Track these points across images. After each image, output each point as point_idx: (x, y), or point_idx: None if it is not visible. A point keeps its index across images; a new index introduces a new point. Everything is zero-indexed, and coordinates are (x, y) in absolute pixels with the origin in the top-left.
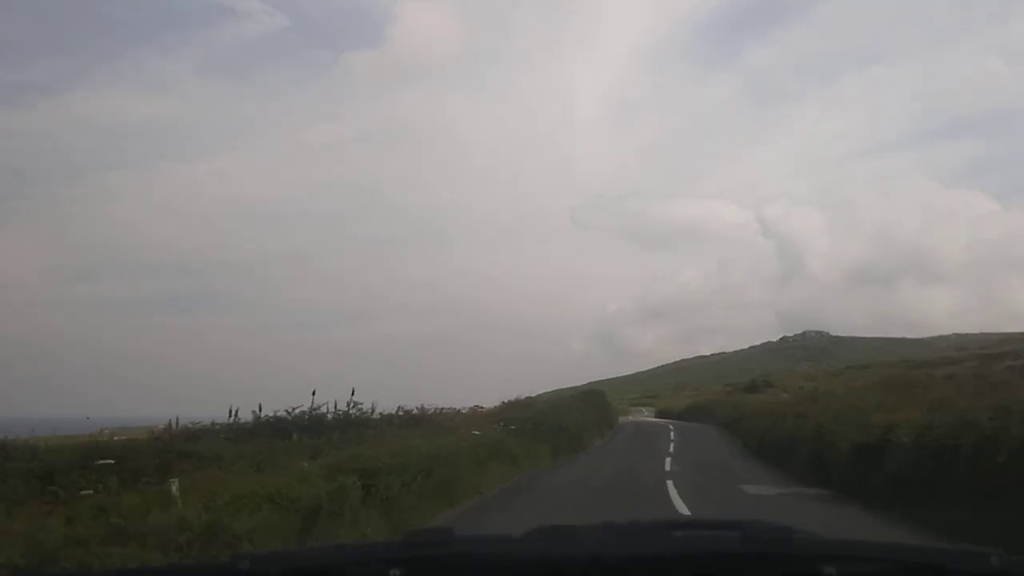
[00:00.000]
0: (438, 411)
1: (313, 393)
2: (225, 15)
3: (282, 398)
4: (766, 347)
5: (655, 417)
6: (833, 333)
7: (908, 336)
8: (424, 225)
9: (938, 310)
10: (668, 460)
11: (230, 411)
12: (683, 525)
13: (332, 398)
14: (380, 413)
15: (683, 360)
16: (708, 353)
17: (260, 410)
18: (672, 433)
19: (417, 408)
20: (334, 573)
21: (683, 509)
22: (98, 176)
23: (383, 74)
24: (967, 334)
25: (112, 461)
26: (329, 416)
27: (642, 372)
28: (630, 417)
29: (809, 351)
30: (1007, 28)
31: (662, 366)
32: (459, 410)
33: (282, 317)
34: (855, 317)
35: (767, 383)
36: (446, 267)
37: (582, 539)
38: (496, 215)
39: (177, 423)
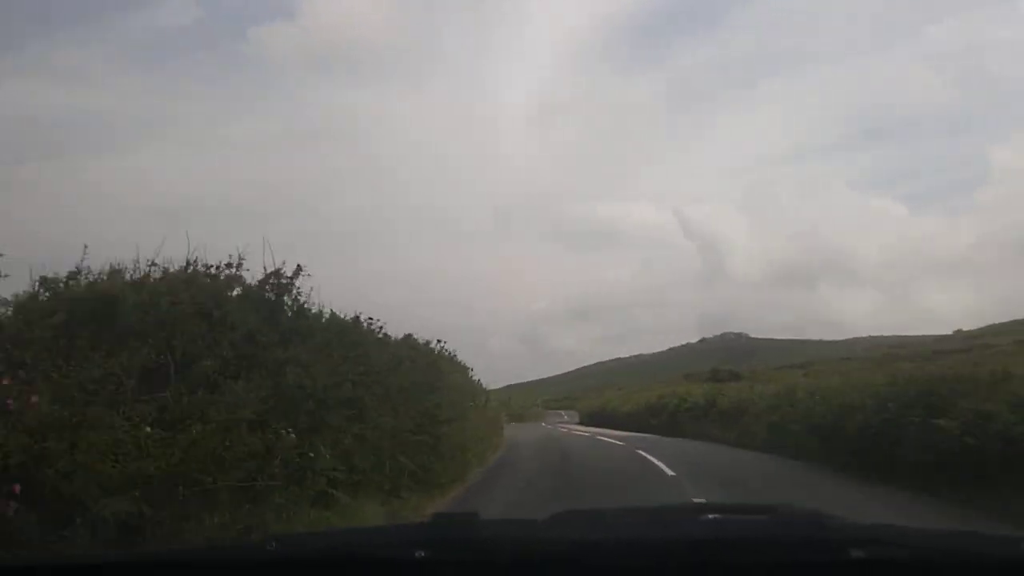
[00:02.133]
0: None
1: None
2: (138, 4)
3: None
4: (686, 348)
5: (582, 426)
6: (752, 335)
7: (825, 338)
8: (341, 224)
9: (855, 313)
10: None
11: None
12: (712, 509)
13: None
14: None
15: (600, 362)
16: (627, 355)
17: None
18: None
19: None
20: (361, 555)
21: None
22: (5, 170)
23: (303, 66)
24: (881, 336)
25: None
26: None
27: (562, 375)
28: (543, 424)
29: (729, 352)
30: (921, 39)
31: (582, 368)
32: None
33: None
34: (774, 319)
35: (734, 374)
36: (360, 267)
37: (609, 523)
38: (417, 214)
39: None
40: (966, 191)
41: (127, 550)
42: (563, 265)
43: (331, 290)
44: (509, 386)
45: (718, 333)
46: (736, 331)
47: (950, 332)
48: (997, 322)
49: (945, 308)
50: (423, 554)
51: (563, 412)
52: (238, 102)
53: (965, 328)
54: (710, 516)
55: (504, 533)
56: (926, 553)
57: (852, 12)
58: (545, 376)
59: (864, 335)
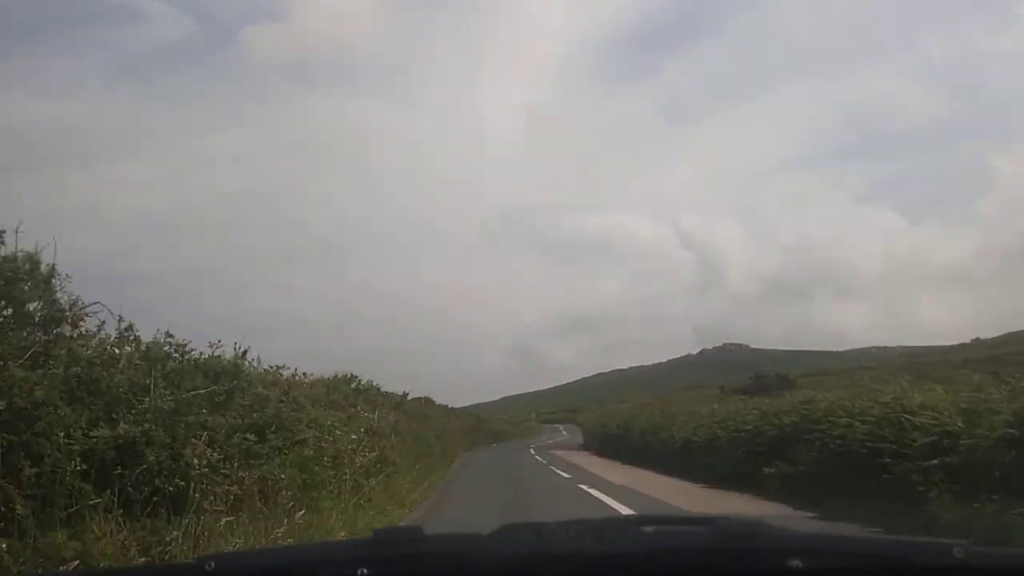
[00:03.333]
0: None
1: None
2: (128, 18)
3: None
4: (686, 360)
5: (590, 455)
6: (752, 346)
7: (828, 349)
8: (329, 237)
9: (853, 324)
10: None
11: None
12: (653, 521)
13: None
14: None
15: (599, 374)
16: (626, 367)
17: None
18: None
19: None
20: (302, 573)
21: None
22: None
23: (292, 78)
24: (885, 347)
25: None
26: None
27: (559, 387)
28: (531, 450)
29: (730, 364)
30: (916, 49)
31: (579, 380)
32: None
33: (178, 332)
34: (772, 330)
35: (786, 381)
36: (350, 281)
37: (552, 536)
38: (406, 227)
39: None
40: (965, 201)
41: (53, 570)
42: (556, 278)
43: (318, 302)
44: (505, 398)
45: (718, 344)
46: (736, 342)
47: (952, 343)
48: (1012, 331)
49: (944, 319)
50: (366, 571)
51: (561, 426)
52: (227, 114)
53: (983, 337)
54: (650, 528)
55: (448, 548)
56: (861, 561)
57: (844, 24)
58: (541, 388)
59: (866, 346)
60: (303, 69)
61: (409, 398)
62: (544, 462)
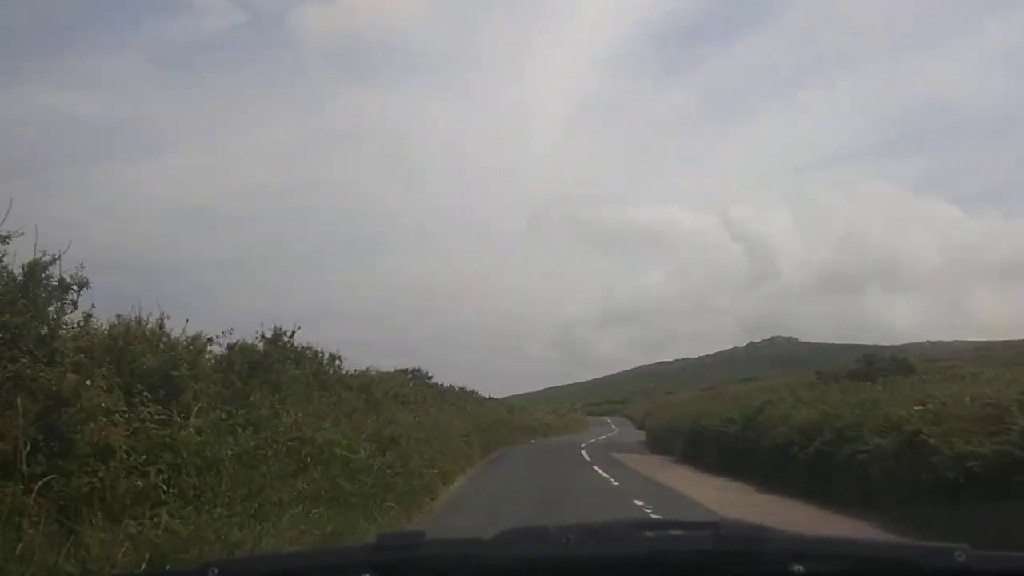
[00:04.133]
0: None
1: None
2: (177, 10)
3: None
4: (733, 353)
5: (658, 456)
6: (802, 339)
7: (880, 343)
8: (372, 228)
9: (905, 318)
10: None
11: None
12: (655, 525)
13: None
14: None
15: (644, 366)
16: (671, 359)
17: None
18: None
19: None
20: None
21: None
22: (39, 173)
23: (338, 68)
24: (940, 342)
25: None
26: None
27: (602, 378)
28: (581, 450)
29: (779, 357)
30: (973, 37)
31: (622, 372)
32: None
33: (218, 327)
34: (822, 323)
35: (906, 366)
36: (396, 272)
37: (554, 541)
38: (451, 217)
39: None
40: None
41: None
42: (600, 269)
43: (359, 293)
44: (547, 389)
45: (766, 337)
46: (785, 335)
47: (1014, 338)
48: None
49: (1003, 313)
50: None
51: (608, 419)
52: (272, 105)
53: None
54: (652, 533)
55: (449, 552)
56: (864, 565)
57: (899, 11)
58: (584, 380)
59: (920, 341)
60: (348, 57)
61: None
62: (617, 484)
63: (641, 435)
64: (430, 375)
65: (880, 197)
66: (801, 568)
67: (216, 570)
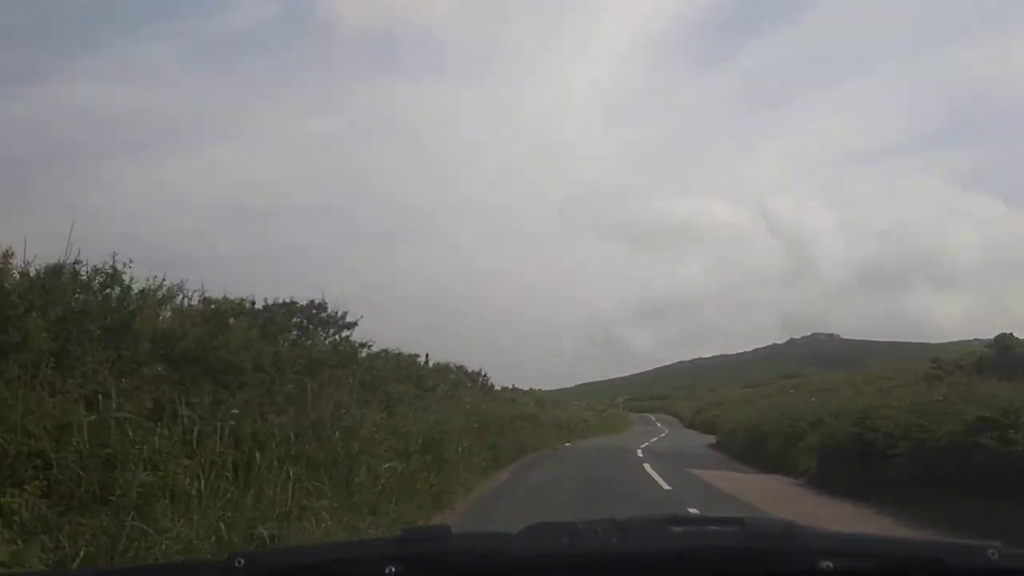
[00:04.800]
0: None
1: None
2: (215, 4)
3: None
4: (772, 349)
5: (762, 474)
6: (843, 336)
7: (924, 340)
8: (410, 220)
9: (951, 315)
10: None
11: None
12: (683, 521)
13: None
14: None
15: (680, 363)
16: (708, 355)
17: None
18: None
19: None
20: (331, 571)
21: None
22: (78, 167)
23: (371, 61)
24: (987, 339)
25: None
26: None
27: (638, 374)
28: (637, 448)
29: (819, 354)
30: (1019, 26)
31: (658, 368)
32: None
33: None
34: (864, 321)
35: None
36: (428, 266)
37: (581, 536)
38: (485, 210)
39: None
40: None
41: (84, 568)
42: (635, 264)
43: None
44: (581, 385)
45: (807, 334)
46: (826, 332)
47: None
48: None
49: None
50: (394, 569)
51: (651, 416)
52: (309, 96)
53: None
54: (680, 528)
55: (475, 547)
56: (894, 562)
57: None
58: (620, 376)
59: (967, 338)
60: (380, 49)
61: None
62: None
63: (700, 437)
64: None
65: (924, 191)
66: (830, 564)
67: (242, 560)
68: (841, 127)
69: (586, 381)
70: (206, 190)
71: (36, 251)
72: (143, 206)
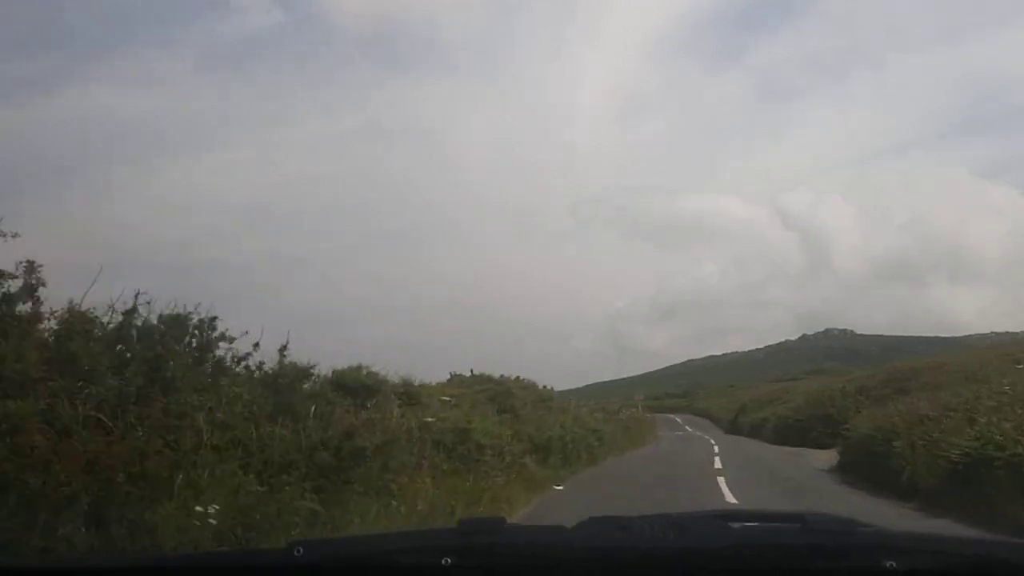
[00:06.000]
0: None
1: None
2: (220, 9)
3: None
4: (784, 346)
5: None
6: (858, 332)
7: (941, 335)
8: (424, 221)
9: (967, 309)
10: None
11: None
12: (741, 516)
13: None
14: None
15: (691, 360)
16: (720, 353)
17: None
18: None
19: None
20: (388, 561)
21: None
22: (97, 172)
23: (378, 60)
24: (1006, 332)
25: None
26: None
27: (649, 373)
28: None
29: (833, 350)
30: None
31: (669, 366)
32: None
33: (279, 322)
34: (880, 316)
35: None
36: (436, 267)
37: (636, 531)
38: (499, 210)
39: None
40: None
41: (144, 553)
42: (648, 262)
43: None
44: (591, 385)
45: (820, 330)
46: (840, 328)
47: None
48: None
49: None
50: (449, 561)
51: (676, 417)
52: (309, 99)
53: None
54: (739, 524)
55: (531, 539)
56: (960, 562)
57: None
58: (632, 375)
59: (984, 332)
60: (389, 51)
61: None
62: None
63: (769, 449)
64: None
65: (939, 184)
66: (894, 563)
67: (301, 549)
68: (857, 121)
69: (596, 381)
70: (217, 195)
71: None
72: (156, 210)
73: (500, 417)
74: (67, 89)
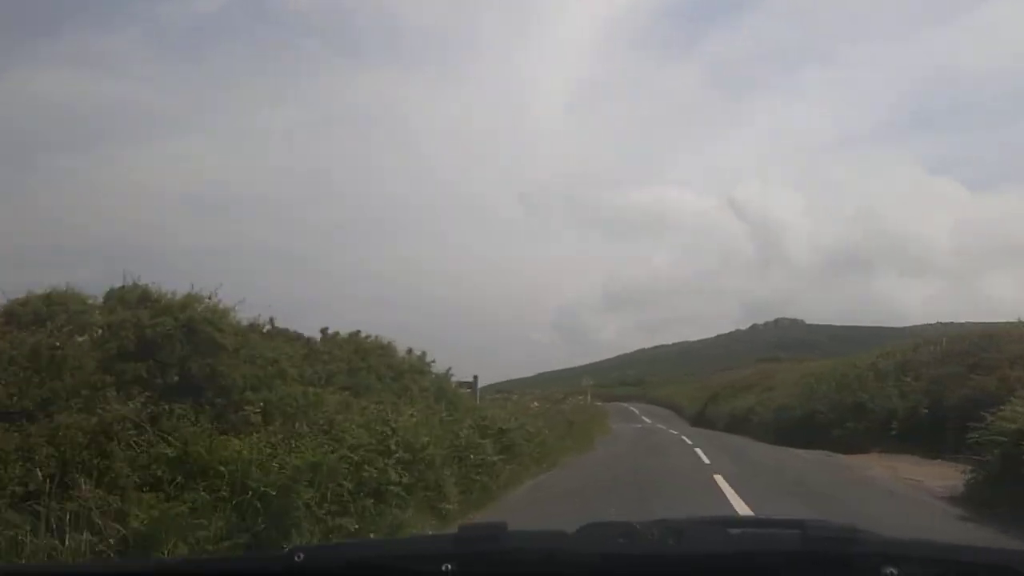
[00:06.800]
0: None
1: None
2: None
3: None
4: (735, 335)
5: None
6: (807, 321)
7: (888, 325)
8: (374, 213)
9: (914, 299)
10: None
11: None
12: (741, 523)
13: None
14: None
15: (642, 350)
16: (670, 343)
17: None
18: None
19: None
20: (388, 567)
21: None
22: (46, 159)
23: (332, 49)
24: (951, 323)
25: None
26: None
27: (600, 362)
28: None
29: (783, 339)
30: (981, 15)
31: (621, 356)
32: None
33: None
34: (830, 306)
35: None
36: (395, 257)
37: (637, 536)
38: (450, 202)
39: None
40: None
41: (145, 559)
42: (601, 252)
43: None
44: (541, 374)
45: (770, 320)
46: (790, 317)
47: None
48: None
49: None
50: (451, 567)
51: (633, 408)
52: (270, 89)
53: None
54: (739, 530)
55: (532, 545)
56: (961, 570)
57: None
58: (581, 364)
59: (930, 322)
60: (341, 37)
61: None
62: None
63: (788, 455)
64: None
65: (888, 177)
66: (894, 572)
67: (302, 555)
68: (809, 113)
69: (546, 370)
70: (164, 183)
71: None
72: (101, 200)
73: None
74: (9, 72)
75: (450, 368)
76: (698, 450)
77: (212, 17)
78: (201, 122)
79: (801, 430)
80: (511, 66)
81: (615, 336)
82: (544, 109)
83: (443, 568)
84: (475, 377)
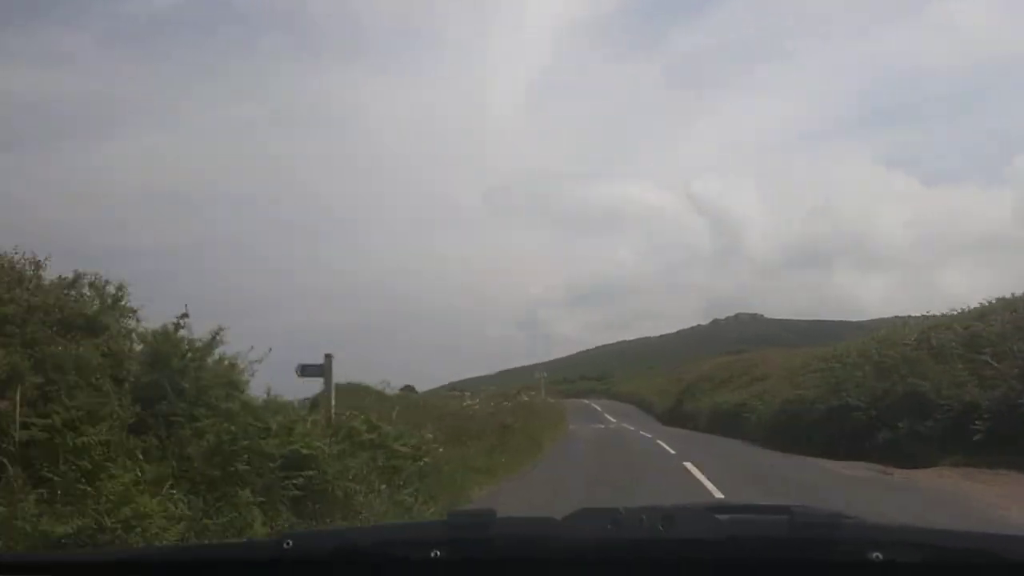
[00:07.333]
0: None
1: None
2: None
3: None
4: (696, 331)
5: None
6: (768, 316)
7: (847, 319)
8: (334, 210)
9: (872, 294)
10: None
11: None
12: (730, 509)
13: None
14: None
15: (603, 346)
16: (632, 339)
17: None
18: None
19: None
20: (377, 553)
21: None
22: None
23: (295, 46)
24: (909, 316)
25: None
26: None
27: (562, 359)
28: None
29: (743, 334)
30: (936, 12)
31: (582, 352)
32: None
33: (183, 309)
34: (790, 301)
35: None
36: (356, 253)
37: (625, 523)
38: (409, 199)
39: None
40: (999, 164)
41: (131, 548)
42: (563, 248)
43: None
44: (501, 372)
45: (731, 315)
46: (750, 312)
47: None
48: None
49: (971, 286)
50: (439, 553)
51: (593, 404)
52: (232, 86)
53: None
54: (727, 516)
55: (521, 532)
56: (945, 555)
57: None
58: (542, 360)
59: (887, 316)
60: (298, 33)
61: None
62: None
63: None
64: None
65: (846, 173)
66: (879, 555)
67: (291, 541)
68: (768, 109)
69: (506, 368)
70: (119, 179)
71: None
72: (54, 197)
73: None
74: None
75: (184, 316)
76: (688, 464)
77: (171, 13)
78: (159, 118)
79: (821, 432)
80: (473, 64)
81: (577, 332)
82: (506, 106)
83: (432, 554)
84: (328, 356)
